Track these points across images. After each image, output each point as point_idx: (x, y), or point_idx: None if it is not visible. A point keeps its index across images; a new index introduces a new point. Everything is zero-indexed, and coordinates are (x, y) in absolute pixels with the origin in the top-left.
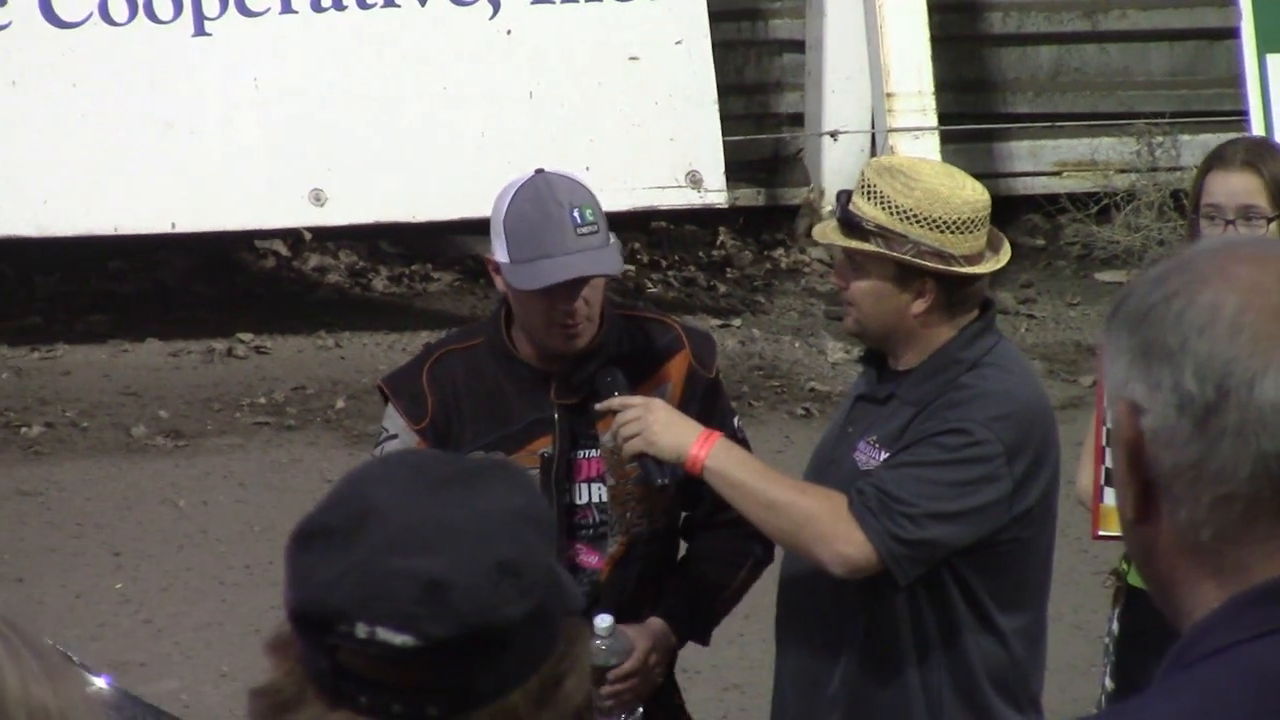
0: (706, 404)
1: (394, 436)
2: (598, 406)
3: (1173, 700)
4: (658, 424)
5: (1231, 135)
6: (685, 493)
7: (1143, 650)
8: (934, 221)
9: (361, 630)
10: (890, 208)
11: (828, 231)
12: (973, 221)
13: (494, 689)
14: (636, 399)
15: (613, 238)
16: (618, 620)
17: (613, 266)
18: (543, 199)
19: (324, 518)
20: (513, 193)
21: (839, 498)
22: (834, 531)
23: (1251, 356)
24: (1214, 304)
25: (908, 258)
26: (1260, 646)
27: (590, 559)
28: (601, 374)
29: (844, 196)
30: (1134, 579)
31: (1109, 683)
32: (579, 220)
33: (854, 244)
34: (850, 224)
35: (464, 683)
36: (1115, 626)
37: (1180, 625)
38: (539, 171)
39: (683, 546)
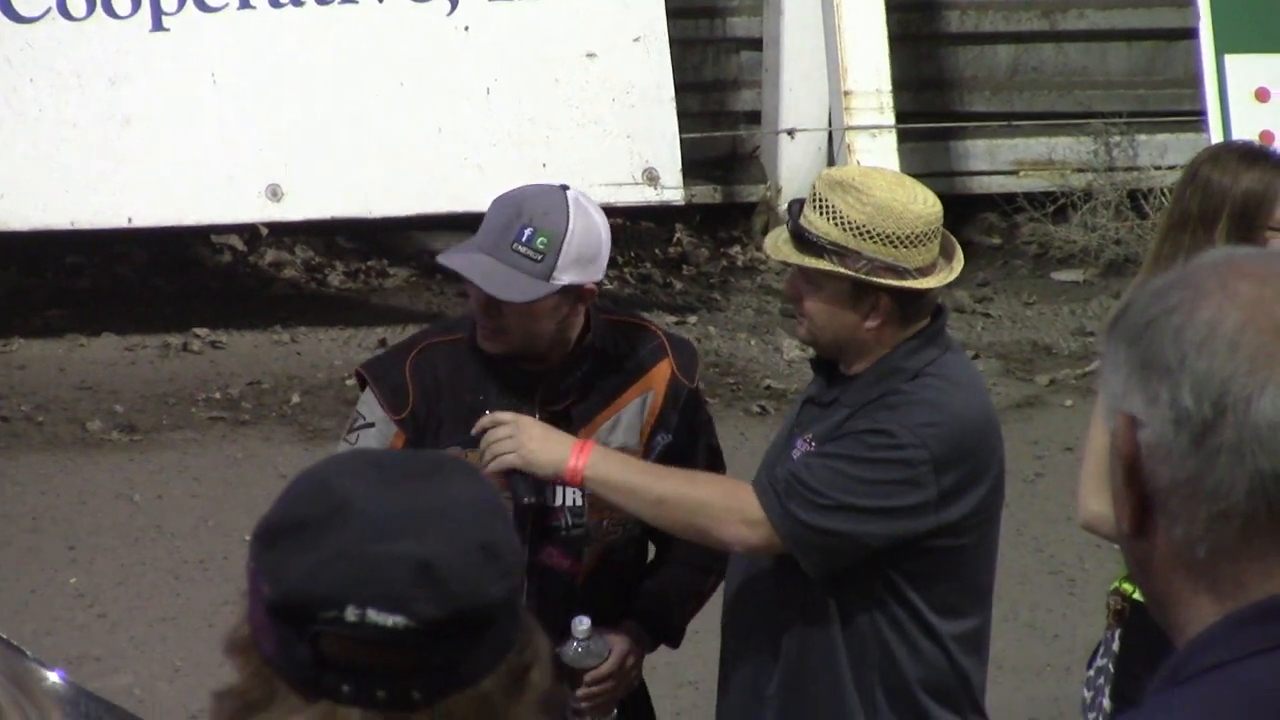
0: (687, 414)
1: (370, 425)
2: (473, 431)
3: (1168, 716)
4: (532, 440)
5: (1186, 135)
6: None
7: (1146, 669)
8: (887, 237)
9: (351, 613)
10: (843, 223)
11: (780, 246)
12: (926, 234)
13: (473, 673)
14: (507, 415)
15: (563, 279)
16: (594, 625)
17: (511, 293)
18: (514, 203)
19: (292, 512)
20: (513, 189)
21: (738, 482)
22: (729, 509)
23: (1250, 374)
24: (1214, 320)
25: (862, 275)
26: (1256, 664)
27: (563, 562)
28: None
29: (795, 208)
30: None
31: (1107, 703)
32: (524, 238)
33: (808, 261)
34: (803, 239)
35: (448, 665)
36: (1116, 646)
37: (1176, 640)
38: (564, 187)
39: (651, 550)
